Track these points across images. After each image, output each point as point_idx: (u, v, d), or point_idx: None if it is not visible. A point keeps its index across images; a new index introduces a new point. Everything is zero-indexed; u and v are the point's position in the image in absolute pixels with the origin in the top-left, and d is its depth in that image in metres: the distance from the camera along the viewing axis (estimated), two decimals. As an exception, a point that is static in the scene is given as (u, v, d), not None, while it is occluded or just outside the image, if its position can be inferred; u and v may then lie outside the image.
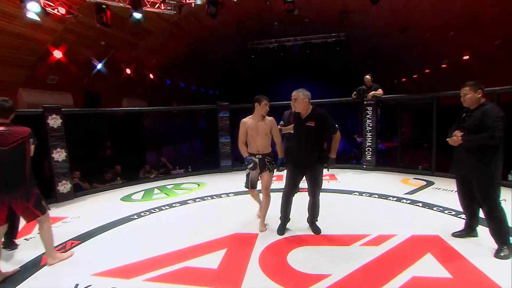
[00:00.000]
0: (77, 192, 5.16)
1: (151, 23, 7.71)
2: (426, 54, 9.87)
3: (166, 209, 4.22)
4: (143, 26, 7.81)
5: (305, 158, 2.91)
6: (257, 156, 3.16)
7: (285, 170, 3.14)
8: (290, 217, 3.17)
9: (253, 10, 8.96)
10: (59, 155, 4.86)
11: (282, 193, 3.12)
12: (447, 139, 2.65)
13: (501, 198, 2.56)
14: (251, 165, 3.12)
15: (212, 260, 2.62)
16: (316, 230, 3.12)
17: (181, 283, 2.31)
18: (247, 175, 3.28)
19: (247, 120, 3.21)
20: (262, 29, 10.76)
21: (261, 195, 3.32)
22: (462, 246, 2.66)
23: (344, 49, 10.98)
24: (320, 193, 3.09)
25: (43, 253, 2.79)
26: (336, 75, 13.61)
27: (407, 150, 7.45)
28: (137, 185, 5.83)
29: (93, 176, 5.95)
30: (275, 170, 3.26)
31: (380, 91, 5.89)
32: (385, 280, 2.20)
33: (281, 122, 3.87)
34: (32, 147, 2.64)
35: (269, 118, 3.19)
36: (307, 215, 3.19)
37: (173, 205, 4.37)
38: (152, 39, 8.81)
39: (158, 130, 11.60)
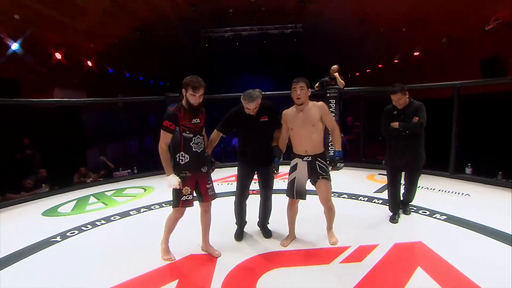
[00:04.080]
0: (-18, 206, 4.04)
1: (86, 0, 6.55)
2: (381, 48, 10.07)
3: (102, 224, 3.40)
4: (74, 2, 6.61)
5: (262, 157, 2.65)
6: (305, 158, 2.49)
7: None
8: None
9: (207, -8, 8.21)
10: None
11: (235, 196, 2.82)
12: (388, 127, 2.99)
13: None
14: (275, 172, 2.62)
15: (158, 300, 1.99)
16: (267, 233, 2.87)
17: None
18: (291, 181, 2.57)
19: (288, 111, 2.56)
20: (216, 16, 10.01)
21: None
22: (449, 253, 2.38)
23: (302, 41, 10.74)
24: (281, 195, 2.78)
25: None
26: (294, 67, 13.41)
27: (365, 143, 7.43)
28: (69, 193, 4.79)
29: (8, 183, 4.77)
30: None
31: (342, 82, 5.64)
32: (379, 311, 1.79)
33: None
34: None
35: (318, 104, 2.50)
36: (258, 219, 2.95)
37: (111, 218, 3.55)
38: (88, 20, 7.53)
39: (101, 125, 10.29)
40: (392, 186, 3.15)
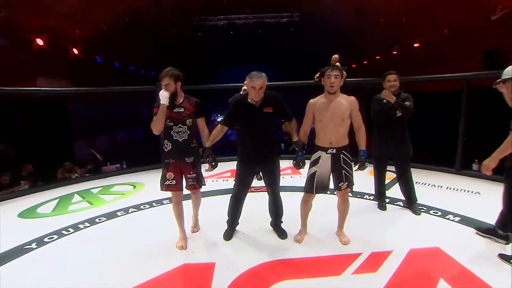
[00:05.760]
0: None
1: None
2: (379, 39, 9.78)
3: (85, 227, 3.08)
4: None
5: (264, 152, 2.47)
6: (329, 151, 2.34)
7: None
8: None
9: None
10: None
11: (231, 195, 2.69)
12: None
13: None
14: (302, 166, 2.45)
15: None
16: (282, 234, 2.69)
17: None
18: (312, 175, 2.42)
19: (316, 100, 2.39)
20: (210, 4, 9.56)
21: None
22: (470, 261, 2.17)
23: (298, 30, 10.38)
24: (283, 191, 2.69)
25: None
26: (289, 57, 13.06)
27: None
28: (52, 191, 4.41)
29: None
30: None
31: (343, 73, 5.36)
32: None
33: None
34: None
35: (350, 98, 2.36)
36: (270, 219, 2.79)
37: (96, 220, 3.23)
38: (71, 3, 7.04)
39: (89, 117, 9.86)
40: (381, 177, 3.29)
